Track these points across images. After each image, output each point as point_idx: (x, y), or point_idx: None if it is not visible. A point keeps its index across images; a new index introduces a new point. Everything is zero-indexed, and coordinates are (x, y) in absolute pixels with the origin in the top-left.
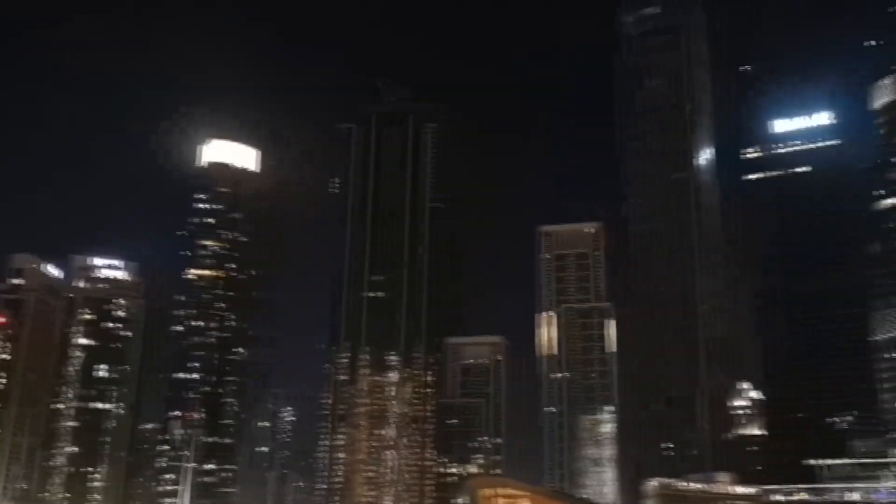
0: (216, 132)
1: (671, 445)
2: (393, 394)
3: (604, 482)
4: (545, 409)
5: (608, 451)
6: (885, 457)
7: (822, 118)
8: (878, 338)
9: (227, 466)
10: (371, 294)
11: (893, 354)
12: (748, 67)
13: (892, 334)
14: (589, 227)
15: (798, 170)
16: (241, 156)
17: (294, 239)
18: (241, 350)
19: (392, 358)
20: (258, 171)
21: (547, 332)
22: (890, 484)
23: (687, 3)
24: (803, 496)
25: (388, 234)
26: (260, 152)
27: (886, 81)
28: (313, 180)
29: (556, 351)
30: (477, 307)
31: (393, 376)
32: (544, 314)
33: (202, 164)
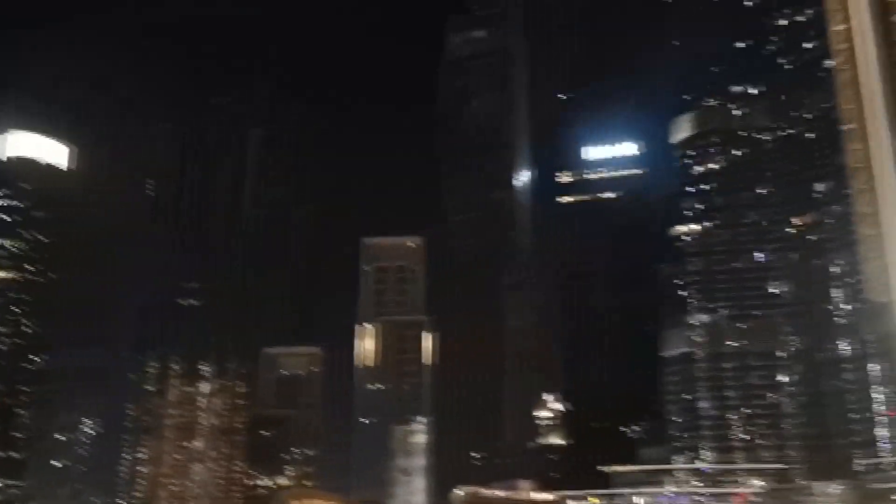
0: (22, 122)
1: (480, 455)
2: (203, 405)
3: (414, 491)
4: (360, 419)
5: (420, 460)
6: (669, 463)
7: (629, 148)
8: (667, 354)
9: (15, 483)
10: (184, 301)
11: (678, 368)
12: (564, 95)
13: (679, 350)
14: (412, 241)
15: (605, 195)
16: (50, 151)
17: (105, 242)
18: (37, 358)
19: (204, 368)
20: (70, 168)
21: (365, 344)
22: (671, 488)
23: (511, 28)
24: (594, 501)
25: (205, 240)
26: (75, 149)
27: (685, 117)
28: (130, 180)
29: (373, 362)
30: (296, 317)
31: (204, 387)
32: (363, 326)
33: (2, 157)
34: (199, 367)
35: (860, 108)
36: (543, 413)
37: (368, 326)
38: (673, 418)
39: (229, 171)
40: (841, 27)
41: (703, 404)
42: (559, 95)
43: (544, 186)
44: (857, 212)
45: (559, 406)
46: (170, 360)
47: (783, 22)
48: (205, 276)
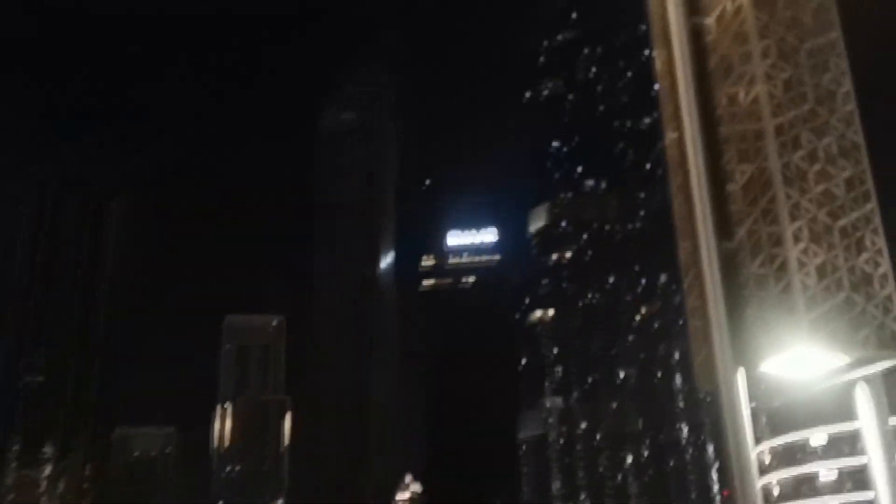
0: None
1: None
2: (43, 489)
3: None
4: (217, 502)
5: None
6: None
7: (489, 234)
8: (524, 436)
9: None
10: (29, 378)
11: (533, 450)
12: (430, 180)
13: (535, 432)
14: (274, 320)
15: (465, 280)
16: None
17: None
18: None
19: (47, 450)
20: None
21: (223, 424)
22: None
23: (380, 113)
24: None
25: (55, 313)
26: None
27: (541, 208)
28: None
29: (232, 443)
30: (153, 396)
31: (47, 470)
32: (222, 406)
33: None
34: (42, 448)
35: (690, 210)
36: (401, 497)
37: (228, 406)
38: (527, 499)
39: (87, 239)
40: (673, 135)
41: (556, 484)
42: (426, 180)
43: (408, 269)
44: (687, 305)
45: (418, 487)
46: (11, 440)
47: (629, 124)
48: (54, 351)
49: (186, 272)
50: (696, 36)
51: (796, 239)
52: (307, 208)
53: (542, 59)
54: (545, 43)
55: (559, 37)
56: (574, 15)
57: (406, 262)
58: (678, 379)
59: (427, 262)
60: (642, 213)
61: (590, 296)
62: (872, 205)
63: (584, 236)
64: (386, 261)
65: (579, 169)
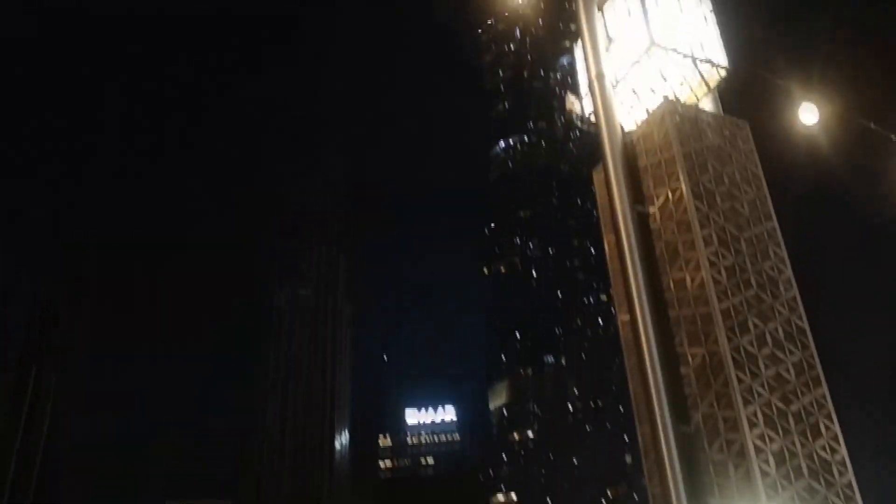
0: None
1: None
2: None
3: None
4: None
5: None
6: None
7: (448, 413)
8: None
9: None
10: None
11: None
12: (386, 357)
13: None
14: None
15: (425, 461)
16: None
17: None
18: None
19: None
20: None
21: None
22: None
23: (334, 292)
24: None
25: None
26: None
27: (500, 386)
28: None
29: None
30: None
31: None
32: None
33: None
34: None
35: (646, 392)
36: None
37: None
38: None
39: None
40: (626, 317)
41: None
42: (383, 358)
43: (365, 449)
44: (649, 490)
45: None
46: None
47: (587, 301)
48: None
49: (125, 453)
50: (642, 222)
51: (751, 424)
52: (258, 387)
53: (498, 238)
54: (499, 223)
55: (516, 215)
56: (528, 195)
57: (363, 442)
58: None
59: (385, 441)
60: (605, 389)
61: (553, 477)
62: (823, 389)
63: (546, 413)
64: (341, 441)
65: (539, 346)
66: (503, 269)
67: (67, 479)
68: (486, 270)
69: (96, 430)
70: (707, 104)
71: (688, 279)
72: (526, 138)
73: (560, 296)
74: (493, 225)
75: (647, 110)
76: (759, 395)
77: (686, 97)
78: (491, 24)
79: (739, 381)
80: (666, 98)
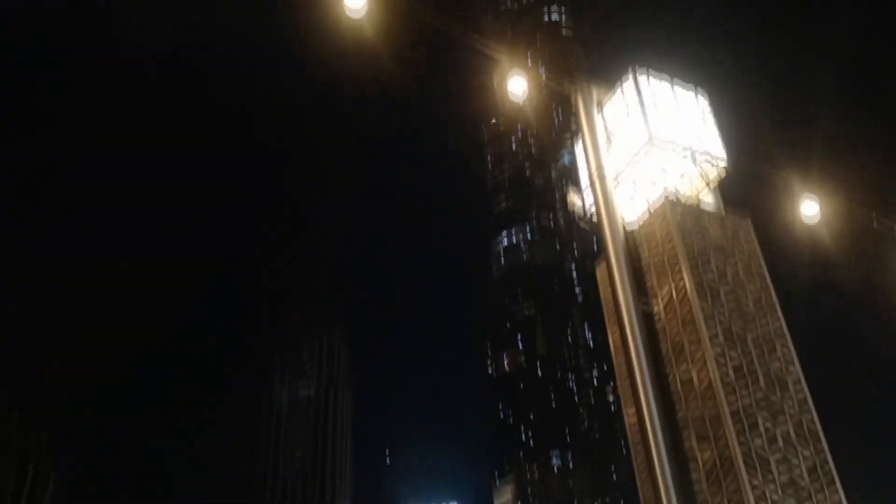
0: None
1: None
2: None
3: None
4: None
5: None
6: None
7: None
8: None
9: None
10: None
11: None
12: (388, 454)
13: None
14: None
15: None
16: None
17: None
18: None
19: None
20: None
21: None
22: None
23: (335, 386)
24: None
25: None
26: None
27: (506, 481)
28: None
29: None
30: None
31: None
32: None
33: None
34: None
35: (655, 492)
36: None
37: None
38: None
39: None
40: (633, 416)
41: None
42: (384, 451)
43: None
44: None
45: None
46: None
47: (592, 401)
48: None
49: None
50: (647, 319)
51: None
52: (256, 486)
53: (503, 334)
54: (504, 319)
55: (520, 313)
56: (532, 292)
57: None
58: None
59: None
60: (613, 488)
61: None
62: (839, 494)
63: None
64: None
65: (545, 443)
66: (508, 366)
67: None
68: (490, 367)
69: None
70: (708, 198)
71: (695, 378)
72: (528, 235)
73: (566, 393)
74: (497, 321)
75: (649, 206)
76: (773, 501)
77: (687, 192)
78: (493, 123)
79: (752, 486)
80: (667, 194)
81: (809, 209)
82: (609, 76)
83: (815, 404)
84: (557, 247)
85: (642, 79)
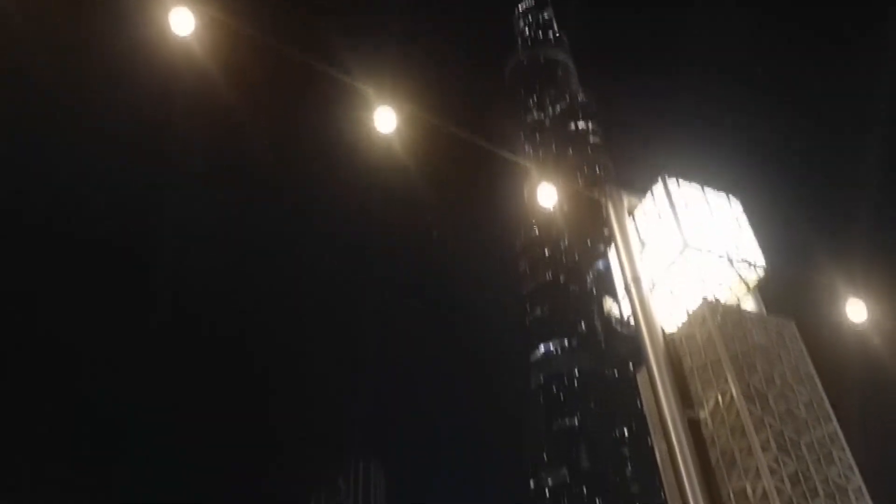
0: None
1: None
2: None
3: None
4: None
5: None
6: None
7: None
8: None
9: None
10: None
11: None
12: None
13: None
14: None
15: None
16: None
17: None
18: None
19: None
20: None
21: None
22: None
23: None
24: None
25: None
26: None
27: None
28: None
29: None
30: None
31: None
32: None
33: None
34: None
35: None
36: None
37: None
38: None
39: None
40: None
41: None
42: None
43: None
44: None
45: None
46: None
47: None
48: None
49: None
50: (694, 428)
51: None
52: None
53: (544, 449)
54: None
55: (559, 425)
56: (572, 402)
57: None
58: None
59: None
60: None
61: None
62: None
63: None
64: None
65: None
66: (551, 482)
67: None
68: (532, 484)
69: None
70: (748, 304)
71: (749, 489)
72: (565, 344)
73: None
74: (536, 435)
75: (688, 311)
76: None
77: (726, 298)
78: (524, 232)
79: None
80: (705, 298)
81: (856, 311)
82: (639, 184)
83: None
84: (596, 354)
85: (672, 183)
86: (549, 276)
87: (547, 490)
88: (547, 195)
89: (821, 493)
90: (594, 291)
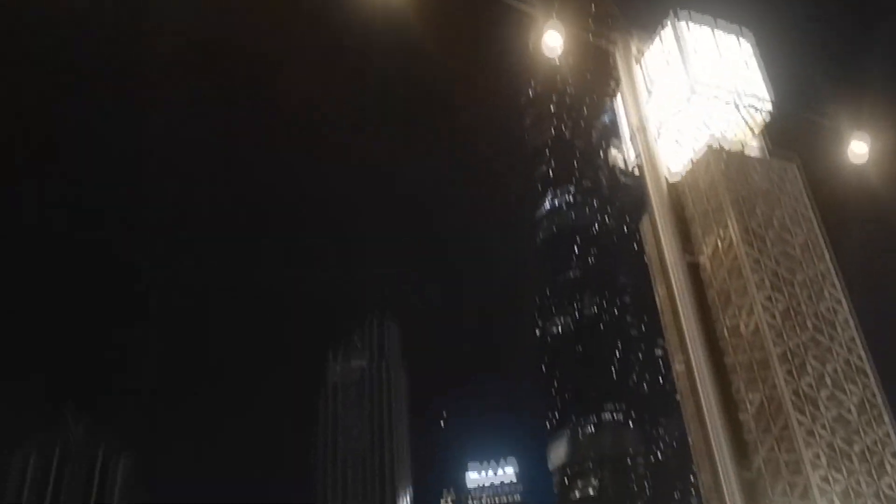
0: None
1: None
2: None
3: None
4: None
5: None
6: None
7: (509, 470)
8: None
9: None
10: None
11: None
12: (444, 417)
13: None
14: None
15: None
16: None
17: None
18: None
19: None
20: None
21: None
22: None
23: (390, 358)
24: None
25: None
26: None
27: (559, 442)
28: None
29: None
30: None
31: None
32: None
33: None
34: None
35: (706, 439)
36: None
37: None
38: None
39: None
40: (681, 366)
41: None
42: (440, 419)
43: None
44: None
45: None
46: None
47: (640, 356)
48: None
49: None
50: (693, 271)
51: (814, 465)
52: (315, 461)
53: (552, 297)
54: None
55: (566, 275)
56: (577, 254)
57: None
58: None
59: (447, 501)
60: (662, 437)
61: None
62: (887, 427)
63: (606, 468)
64: (405, 500)
65: (596, 402)
66: (558, 328)
67: None
68: (539, 331)
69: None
70: (753, 144)
71: (742, 325)
72: (571, 197)
73: (615, 351)
74: (545, 283)
75: (692, 158)
76: (821, 436)
77: (731, 142)
78: (531, 84)
79: (800, 423)
80: (710, 144)
81: (859, 148)
82: (648, 22)
83: (868, 342)
84: (601, 205)
85: (682, 25)
86: (554, 127)
87: (552, 337)
88: (552, 43)
89: (809, 326)
90: (600, 143)
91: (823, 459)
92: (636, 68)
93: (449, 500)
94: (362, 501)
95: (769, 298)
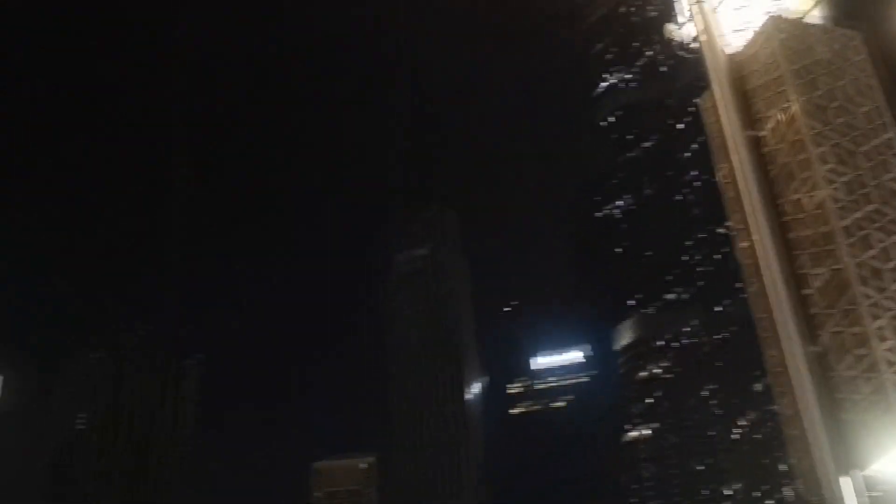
0: None
1: None
2: None
3: None
4: None
5: None
6: None
7: (576, 355)
8: None
9: None
10: None
11: None
12: (511, 304)
13: None
14: (363, 462)
15: (556, 403)
16: None
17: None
18: None
19: None
20: None
21: None
22: None
23: (451, 246)
24: None
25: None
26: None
27: (627, 324)
28: (60, 414)
29: None
30: None
31: None
32: None
33: None
34: None
35: (771, 319)
36: None
37: None
38: None
39: (169, 399)
40: (745, 244)
41: None
42: (505, 308)
43: (495, 397)
44: (781, 414)
45: None
46: None
47: (702, 235)
48: None
49: (270, 426)
50: (755, 147)
51: (881, 338)
52: (380, 354)
53: (611, 179)
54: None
55: (625, 156)
56: (636, 132)
57: (493, 390)
58: (785, 492)
59: (514, 389)
60: (729, 321)
61: (685, 411)
62: None
63: (673, 351)
64: (472, 392)
65: (660, 282)
66: (618, 212)
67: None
68: (600, 214)
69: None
70: (816, 16)
71: (805, 200)
72: (629, 74)
73: (677, 232)
74: (604, 164)
75: (753, 29)
76: (887, 309)
77: (793, 11)
78: None
79: (866, 296)
80: (770, 15)
81: None
82: None
83: None
84: (659, 83)
85: None
86: (609, 7)
87: (613, 220)
88: None
89: (875, 198)
90: (657, 16)
91: (889, 332)
92: None
93: (518, 385)
94: (430, 393)
95: (833, 171)
